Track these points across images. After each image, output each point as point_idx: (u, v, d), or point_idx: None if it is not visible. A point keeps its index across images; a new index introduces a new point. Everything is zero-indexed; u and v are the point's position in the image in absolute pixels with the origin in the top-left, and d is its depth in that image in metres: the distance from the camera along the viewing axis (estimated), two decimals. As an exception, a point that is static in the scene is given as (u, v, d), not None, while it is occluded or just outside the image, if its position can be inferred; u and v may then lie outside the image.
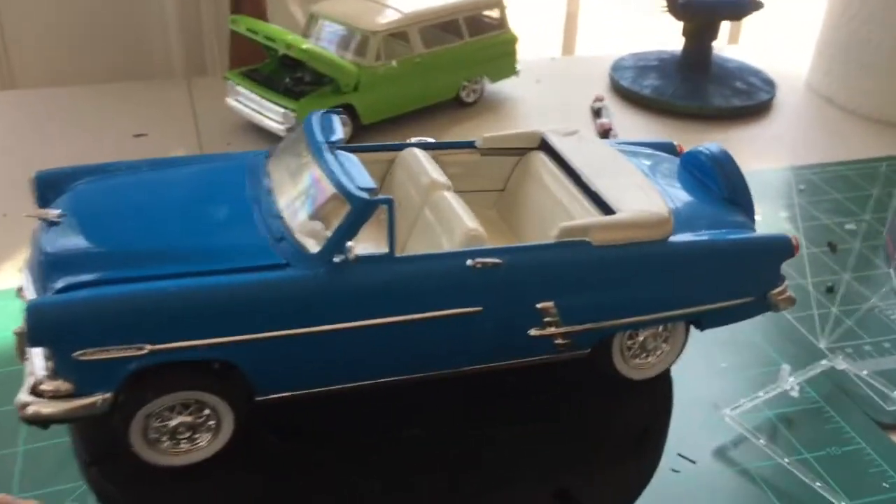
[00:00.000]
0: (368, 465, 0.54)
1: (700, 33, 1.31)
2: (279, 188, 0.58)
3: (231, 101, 1.13)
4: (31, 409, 0.52)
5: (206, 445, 0.54)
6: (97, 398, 0.51)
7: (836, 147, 1.22)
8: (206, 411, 0.54)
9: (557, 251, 0.57)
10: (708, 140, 1.20)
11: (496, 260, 0.55)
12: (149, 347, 0.50)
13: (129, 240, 0.55)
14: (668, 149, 0.75)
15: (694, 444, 0.70)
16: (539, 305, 0.57)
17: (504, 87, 1.30)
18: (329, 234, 0.52)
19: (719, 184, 0.68)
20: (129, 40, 1.34)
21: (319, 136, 0.58)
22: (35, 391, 0.52)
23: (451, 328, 0.55)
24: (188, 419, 0.53)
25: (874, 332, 0.84)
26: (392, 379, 0.56)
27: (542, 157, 0.68)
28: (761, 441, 0.70)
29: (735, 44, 1.71)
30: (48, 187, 0.63)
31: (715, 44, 1.34)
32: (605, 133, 1.20)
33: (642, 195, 0.61)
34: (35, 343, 0.52)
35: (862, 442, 0.71)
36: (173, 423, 0.53)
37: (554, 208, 0.63)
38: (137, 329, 0.50)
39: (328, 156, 0.56)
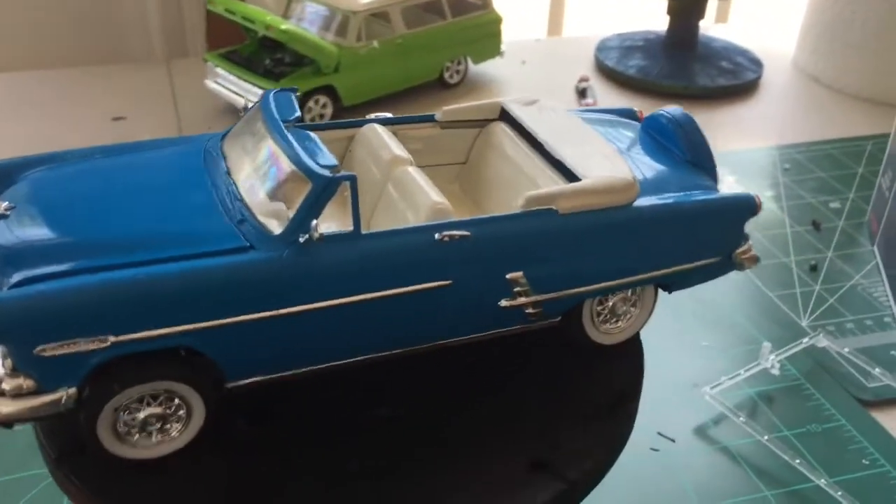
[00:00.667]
0: (342, 446, 0.53)
1: (686, 11, 1.30)
2: (237, 169, 0.56)
3: (210, 83, 1.11)
4: None
5: (177, 436, 0.53)
6: (61, 394, 0.49)
7: (822, 126, 1.21)
8: (176, 401, 0.52)
9: (524, 221, 0.57)
10: (696, 120, 1.19)
11: (464, 232, 0.55)
12: (112, 339, 0.48)
13: (85, 229, 0.53)
14: (629, 115, 0.75)
15: (674, 423, 0.70)
16: (508, 276, 0.56)
17: (488, 67, 1.29)
18: (291, 214, 0.51)
19: (681, 147, 0.68)
20: (108, 22, 1.32)
21: (276, 115, 0.57)
22: None
23: (421, 303, 0.55)
24: (158, 410, 0.52)
25: (856, 309, 0.84)
26: (364, 357, 0.55)
27: (502, 128, 0.67)
28: (741, 419, 0.69)
29: (724, 23, 1.70)
30: None
31: (702, 23, 1.33)
32: (589, 113, 1.19)
33: (606, 161, 0.61)
34: None
35: (842, 419, 0.71)
36: (142, 414, 0.52)
37: (517, 178, 0.62)
38: (99, 320, 0.48)
39: (287, 134, 0.54)
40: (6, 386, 0.49)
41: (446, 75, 1.22)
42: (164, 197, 0.56)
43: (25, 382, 0.49)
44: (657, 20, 1.37)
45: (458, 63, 1.23)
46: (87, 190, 0.57)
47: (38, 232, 0.53)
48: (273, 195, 0.53)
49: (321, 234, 0.51)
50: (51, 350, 0.48)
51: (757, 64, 1.34)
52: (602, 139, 0.64)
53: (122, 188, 0.57)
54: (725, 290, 0.86)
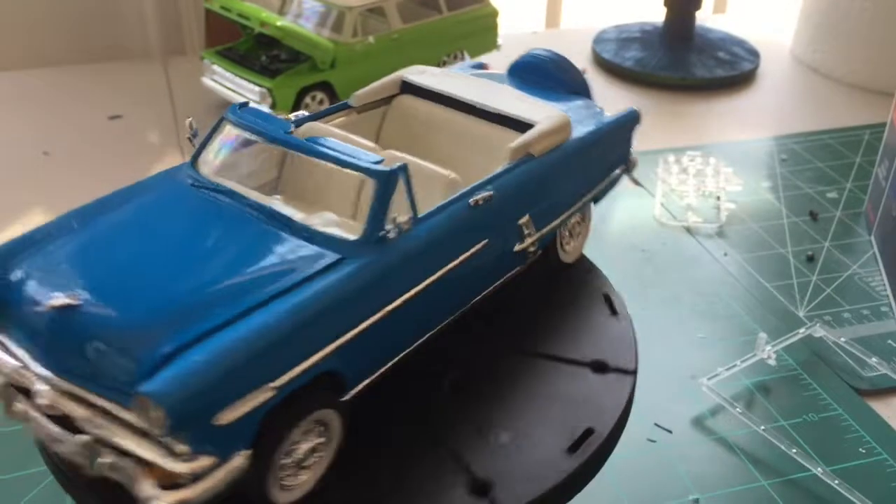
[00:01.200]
0: (427, 417, 0.55)
1: (684, 2, 1.30)
2: (260, 193, 0.55)
3: (207, 81, 1.11)
4: None
5: (323, 464, 0.51)
6: (239, 459, 0.45)
7: (820, 116, 1.21)
8: (321, 429, 0.51)
9: (520, 170, 0.61)
10: (693, 112, 1.20)
11: (489, 192, 0.59)
12: (272, 385, 0.45)
13: (169, 295, 0.47)
14: (480, 67, 0.83)
15: (671, 414, 0.70)
16: (520, 222, 0.62)
17: (485, 61, 1.28)
18: (347, 219, 0.53)
19: (562, 80, 0.75)
20: (104, 20, 1.32)
21: (281, 129, 0.56)
22: (167, 482, 0.44)
23: (471, 266, 0.58)
24: (312, 443, 0.50)
25: (853, 299, 0.84)
26: (434, 331, 0.58)
27: (411, 100, 0.68)
28: (738, 409, 0.70)
29: (721, 13, 1.70)
30: None
31: (699, 14, 1.33)
32: (586, 106, 1.19)
33: (535, 106, 0.67)
34: (177, 430, 0.43)
35: (839, 408, 0.71)
36: (301, 452, 0.49)
37: (458, 140, 0.65)
38: (257, 371, 0.45)
39: (315, 145, 0.54)
40: (183, 470, 0.44)
41: (443, 70, 1.22)
42: (204, 243, 0.52)
43: (203, 461, 0.44)
44: (654, 12, 1.37)
45: (455, 57, 1.23)
46: (122, 261, 0.51)
47: (131, 312, 0.47)
48: (315, 207, 0.54)
49: (409, 219, 0.52)
50: (226, 417, 0.44)
51: (754, 54, 1.33)
52: (512, 89, 0.69)
53: (153, 248, 0.52)
54: (722, 281, 0.86)
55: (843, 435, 0.69)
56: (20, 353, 0.48)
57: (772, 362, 0.74)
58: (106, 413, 0.45)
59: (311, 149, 0.55)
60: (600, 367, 0.57)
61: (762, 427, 0.68)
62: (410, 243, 0.53)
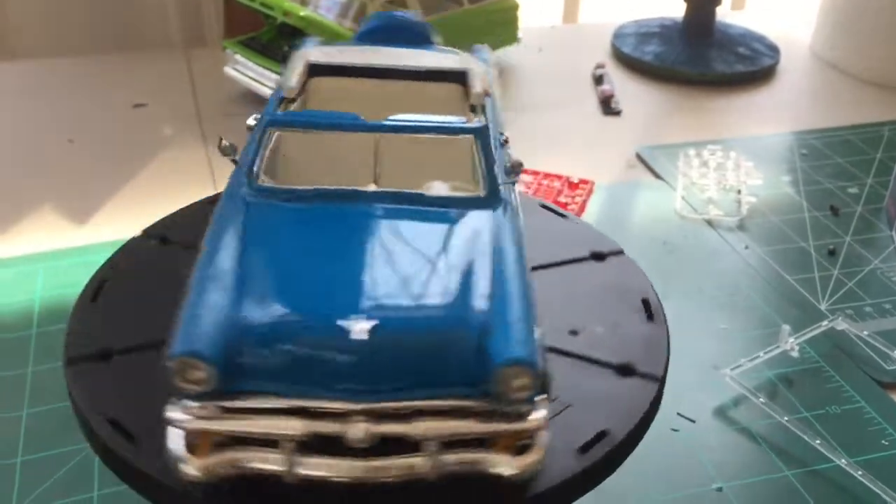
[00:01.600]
0: None
1: (703, -2, 1.30)
2: (362, 180, 0.52)
3: (230, 70, 1.12)
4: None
5: None
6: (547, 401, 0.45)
7: (840, 112, 1.21)
8: None
9: (490, 107, 0.58)
10: (713, 107, 1.20)
11: (507, 135, 0.58)
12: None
13: (432, 285, 0.46)
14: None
15: (693, 404, 0.70)
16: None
17: (505, 55, 1.29)
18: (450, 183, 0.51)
19: (420, 34, 0.68)
20: (126, 10, 1.33)
21: (349, 118, 0.54)
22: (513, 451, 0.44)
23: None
24: None
25: (875, 293, 0.84)
26: None
27: (326, 80, 0.63)
28: (761, 400, 0.70)
29: (741, 9, 1.69)
30: None
31: (719, 10, 1.33)
32: (607, 100, 1.20)
33: (443, 57, 0.63)
34: (538, 389, 0.43)
35: (861, 401, 0.71)
36: None
37: (399, 104, 0.59)
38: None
39: (402, 122, 0.53)
40: (535, 424, 0.43)
41: (463, 62, 1.22)
42: (378, 245, 0.49)
43: (541, 410, 0.43)
44: (674, 7, 1.37)
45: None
46: (347, 282, 0.46)
47: (421, 313, 0.45)
48: (402, 180, 0.52)
49: (519, 163, 0.52)
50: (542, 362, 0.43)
51: (774, 50, 1.33)
52: (406, 49, 0.65)
53: (346, 268, 0.47)
54: (743, 274, 0.86)
55: (866, 427, 0.69)
56: (311, 403, 0.43)
57: (795, 354, 0.74)
58: (435, 413, 0.43)
59: (403, 126, 0.53)
60: (627, 371, 0.55)
61: (786, 418, 0.68)
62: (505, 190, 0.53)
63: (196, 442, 0.43)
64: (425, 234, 0.49)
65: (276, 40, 1.12)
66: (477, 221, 0.49)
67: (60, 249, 0.86)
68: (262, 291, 0.44)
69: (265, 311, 0.43)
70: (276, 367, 0.42)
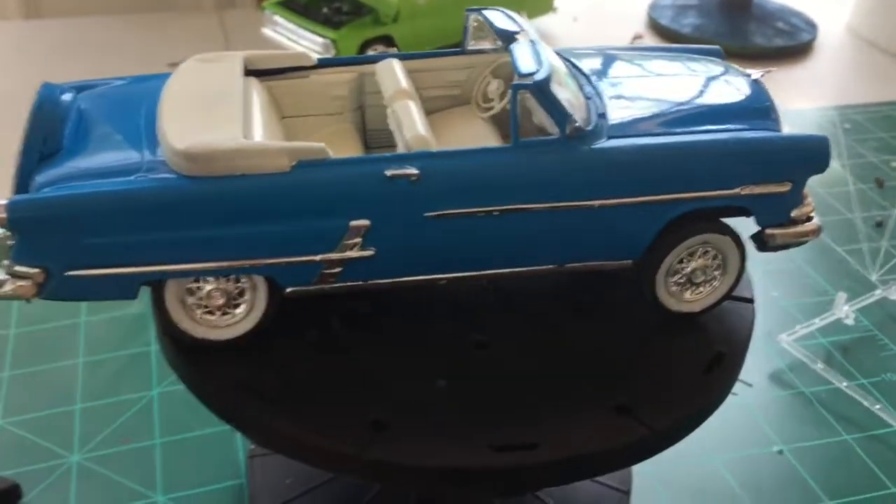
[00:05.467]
0: (430, 365, 0.52)
1: (741, -29, 1.28)
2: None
3: (268, 31, 1.11)
4: None
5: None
6: None
7: (879, 88, 1.20)
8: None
9: None
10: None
11: None
12: None
13: None
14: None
15: (750, 369, 0.69)
16: None
17: (540, 24, 1.28)
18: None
19: None
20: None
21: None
22: None
23: None
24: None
25: (925, 265, 0.84)
26: None
27: (259, 82, 0.54)
28: (819, 365, 0.70)
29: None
30: None
31: (755, -17, 1.32)
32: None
33: None
34: None
35: (917, 369, 0.71)
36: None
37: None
38: None
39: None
40: None
41: (501, 29, 1.21)
42: None
43: None
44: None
45: (513, 17, 1.22)
46: None
47: None
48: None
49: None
50: None
51: (812, 25, 1.32)
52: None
53: None
54: (792, 244, 0.86)
55: (924, 395, 0.69)
56: None
57: (850, 322, 0.74)
58: None
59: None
60: (625, 411, 0.52)
61: (844, 383, 0.68)
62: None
63: None
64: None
65: (315, 2, 1.10)
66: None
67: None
68: None
69: None
70: None
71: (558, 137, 0.47)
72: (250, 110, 0.50)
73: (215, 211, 0.44)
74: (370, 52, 1.06)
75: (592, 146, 0.48)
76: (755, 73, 0.58)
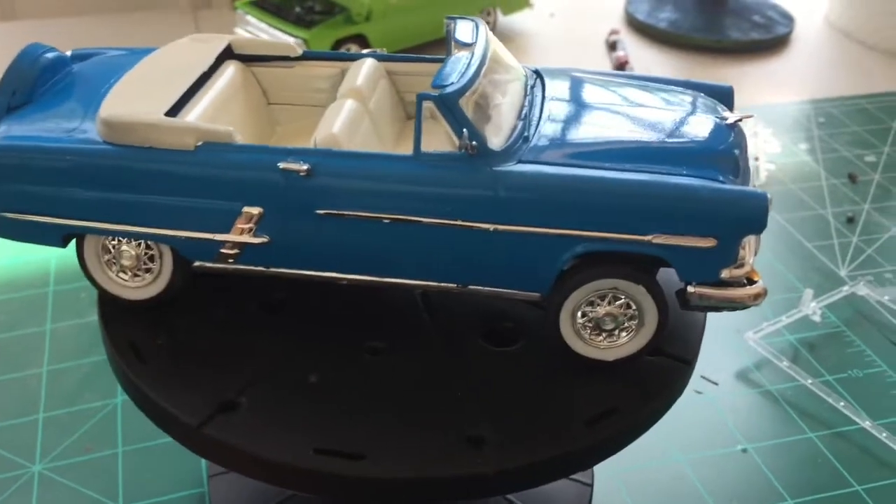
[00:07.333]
0: (312, 360, 0.49)
1: (718, -35, 1.28)
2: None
3: (241, 31, 1.10)
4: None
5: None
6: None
7: (856, 81, 1.20)
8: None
9: None
10: (729, 74, 1.19)
11: None
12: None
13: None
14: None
15: (716, 367, 0.70)
16: None
17: (517, 20, 1.27)
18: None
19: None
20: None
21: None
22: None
23: None
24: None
25: (894, 259, 0.84)
26: None
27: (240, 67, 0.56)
28: (784, 363, 0.70)
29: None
30: None
31: (732, -23, 1.31)
32: (621, 66, 1.18)
33: None
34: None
35: (883, 365, 0.71)
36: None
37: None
38: None
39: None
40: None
41: (476, 26, 1.20)
42: None
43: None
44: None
45: (488, 14, 1.21)
46: None
47: None
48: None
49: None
50: None
51: (788, 18, 1.32)
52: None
53: None
54: (762, 240, 0.86)
55: (889, 391, 0.69)
56: None
57: (817, 319, 0.74)
58: None
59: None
60: (476, 443, 0.45)
61: (809, 380, 0.68)
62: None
63: None
64: None
65: (287, 2, 1.10)
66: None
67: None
68: None
69: None
70: None
71: (461, 154, 0.45)
72: (206, 90, 0.52)
73: (124, 177, 0.48)
74: (364, 52, 1.06)
75: (495, 167, 0.45)
76: (733, 116, 0.51)
